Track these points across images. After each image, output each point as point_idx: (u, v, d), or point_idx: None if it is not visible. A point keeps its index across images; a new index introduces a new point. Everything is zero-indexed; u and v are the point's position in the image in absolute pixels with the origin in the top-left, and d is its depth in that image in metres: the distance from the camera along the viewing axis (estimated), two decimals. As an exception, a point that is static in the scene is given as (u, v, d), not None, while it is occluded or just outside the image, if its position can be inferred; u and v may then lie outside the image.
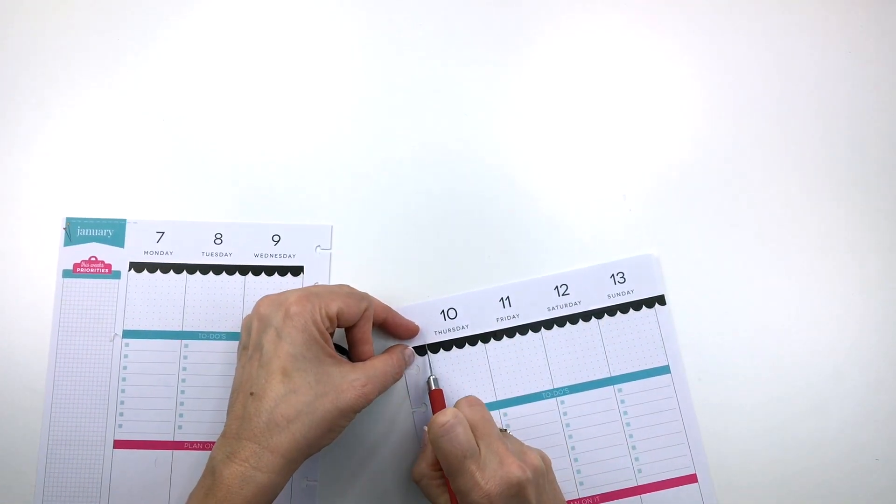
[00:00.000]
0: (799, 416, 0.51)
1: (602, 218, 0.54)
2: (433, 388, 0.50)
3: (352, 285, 0.49)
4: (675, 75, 0.56)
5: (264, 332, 0.43)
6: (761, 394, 0.51)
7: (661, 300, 0.52)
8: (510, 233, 0.53)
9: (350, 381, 0.44)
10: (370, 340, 0.48)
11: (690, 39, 0.56)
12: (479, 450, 0.43)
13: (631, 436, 0.50)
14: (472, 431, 0.44)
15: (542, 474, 0.43)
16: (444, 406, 0.49)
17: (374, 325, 0.49)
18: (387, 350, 0.49)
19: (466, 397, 0.47)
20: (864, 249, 0.53)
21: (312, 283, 0.52)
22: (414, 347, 0.51)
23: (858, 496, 0.50)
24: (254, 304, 0.46)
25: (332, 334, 0.46)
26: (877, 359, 0.52)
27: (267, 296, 0.45)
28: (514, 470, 0.42)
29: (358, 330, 0.47)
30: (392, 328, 0.50)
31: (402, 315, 0.51)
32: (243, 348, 0.45)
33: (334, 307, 0.44)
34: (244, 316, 0.52)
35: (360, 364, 0.46)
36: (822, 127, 0.55)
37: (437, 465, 0.46)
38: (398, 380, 0.48)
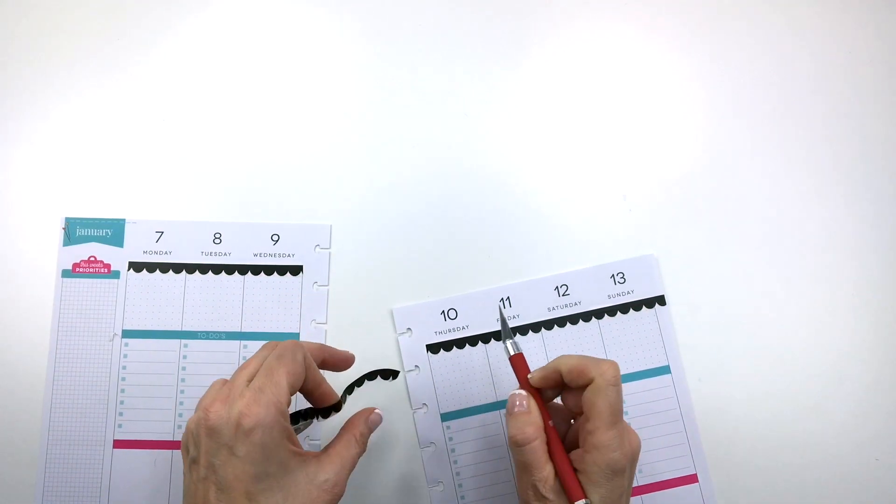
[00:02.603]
0: (799, 416, 0.51)
1: (602, 218, 0.53)
2: (513, 352, 0.44)
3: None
4: (675, 77, 0.56)
5: (217, 453, 0.38)
6: (761, 393, 0.51)
7: (661, 300, 0.52)
8: (510, 233, 0.53)
9: (319, 485, 0.40)
10: (322, 379, 0.44)
11: (690, 40, 0.56)
12: None
13: None
14: None
15: None
16: (527, 370, 0.43)
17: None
18: (345, 427, 0.44)
19: (612, 363, 0.41)
20: (864, 249, 0.53)
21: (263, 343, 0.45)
22: (415, 346, 0.51)
23: (858, 496, 0.50)
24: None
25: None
26: (877, 359, 0.52)
27: (217, 395, 0.40)
28: (635, 437, 0.41)
29: (309, 381, 0.43)
30: (331, 365, 0.46)
31: (336, 347, 0.47)
32: (192, 462, 0.40)
33: (284, 388, 0.39)
34: (241, 313, 0.52)
35: (324, 457, 0.41)
36: (821, 127, 0.55)
37: (543, 427, 0.41)
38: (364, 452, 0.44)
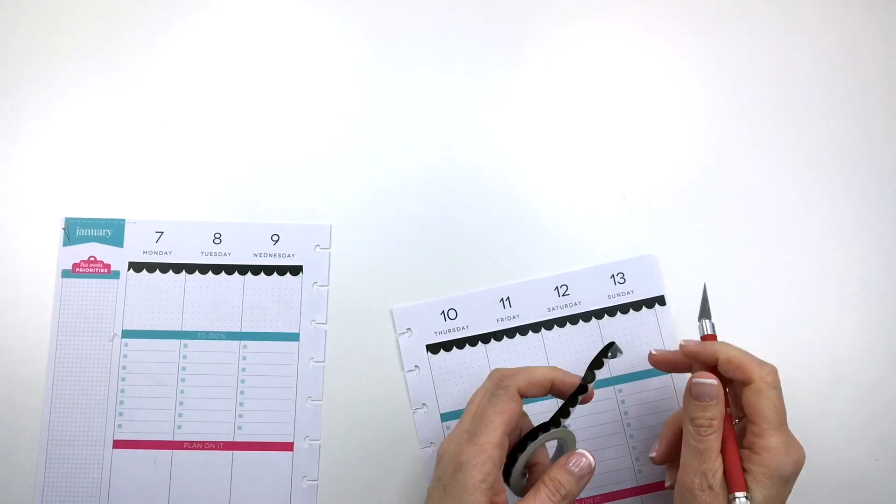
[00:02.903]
0: (799, 415, 0.51)
1: (602, 218, 0.53)
2: (707, 332, 0.46)
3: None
4: (675, 76, 0.56)
5: (436, 481, 0.41)
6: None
7: (661, 300, 0.52)
8: (510, 233, 0.53)
9: None
10: (555, 376, 0.42)
11: (690, 41, 0.56)
12: None
13: (631, 436, 0.50)
14: None
15: None
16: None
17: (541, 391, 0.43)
18: (543, 479, 0.41)
19: (772, 367, 0.42)
20: (864, 249, 0.53)
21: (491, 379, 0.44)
22: (415, 346, 0.51)
23: (858, 496, 0.50)
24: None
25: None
26: (877, 359, 0.52)
27: (457, 426, 0.42)
28: (802, 452, 0.41)
29: (536, 393, 0.43)
30: (560, 391, 0.43)
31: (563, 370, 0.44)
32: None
33: (497, 429, 0.40)
34: (241, 313, 0.52)
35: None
36: (821, 127, 0.55)
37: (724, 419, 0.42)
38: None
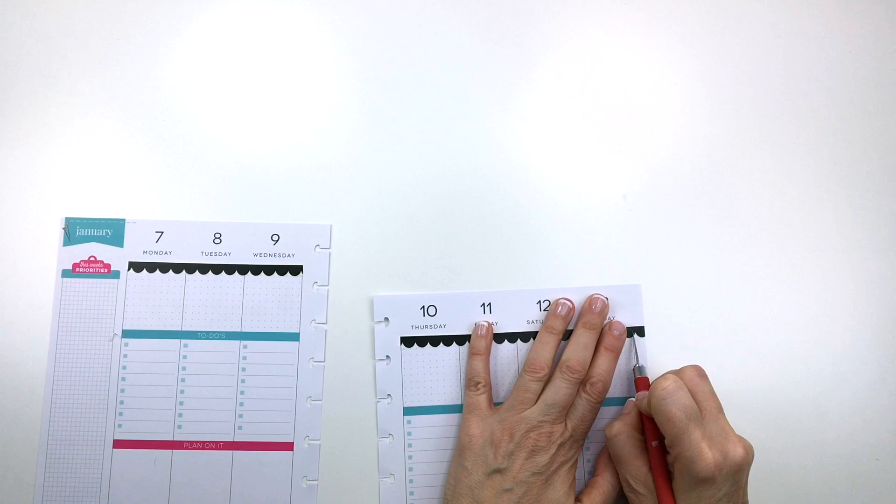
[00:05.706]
0: (799, 416, 0.51)
1: (599, 231, 0.53)
2: (637, 375, 0.49)
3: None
4: (675, 77, 0.56)
5: (533, 478, 0.45)
6: (759, 392, 0.51)
7: (640, 331, 0.51)
8: (506, 237, 0.53)
9: None
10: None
11: (690, 40, 0.56)
12: (704, 419, 0.43)
13: (589, 461, 0.50)
14: (698, 403, 0.43)
15: (750, 462, 0.43)
16: (644, 389, 0.48)
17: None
18: (604, 453, 0.49)
19: (694, 366, 0.46)
20: (864, 251, 0.53)
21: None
22: (390, 336, 0.51)
23: (858, 496, 0.50)
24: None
25: None
26: (877, 359, 0.52)
27: (524, 419, 0.47)
28: (738, 448, 0.42)
29: None
30: None
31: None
32: (497, 472, 0.45)
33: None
34: (241, 313, 0.52)
35: (585, 495, 0.47)
36: (821, 127, 0.55)
37: (639, 429, 0.46)
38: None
